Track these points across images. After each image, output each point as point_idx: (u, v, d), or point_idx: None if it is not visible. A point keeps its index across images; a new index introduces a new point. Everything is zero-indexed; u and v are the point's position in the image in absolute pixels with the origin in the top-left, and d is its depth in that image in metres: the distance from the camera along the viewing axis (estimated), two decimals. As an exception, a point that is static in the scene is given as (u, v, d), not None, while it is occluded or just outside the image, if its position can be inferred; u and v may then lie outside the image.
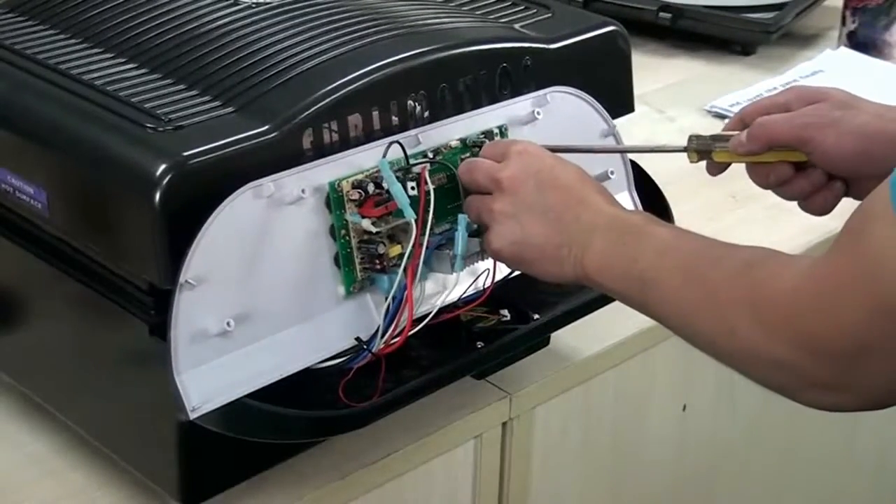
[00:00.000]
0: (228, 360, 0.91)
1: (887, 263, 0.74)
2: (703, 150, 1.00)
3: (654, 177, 1.14)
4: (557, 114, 1.05)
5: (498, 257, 0.97)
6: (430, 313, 0.97)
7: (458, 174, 0.98)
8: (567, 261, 0.92)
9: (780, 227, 1.35)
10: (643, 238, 0.90)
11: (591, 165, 1.01)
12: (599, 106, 1.08)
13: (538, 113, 1.04)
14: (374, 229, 0.95)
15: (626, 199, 1.11)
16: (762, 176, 0.99)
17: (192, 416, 0.89)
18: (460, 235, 0.96)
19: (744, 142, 0.97)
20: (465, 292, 1.00)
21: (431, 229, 0.96)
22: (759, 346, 0.81)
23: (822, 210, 0.98)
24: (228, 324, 0.90)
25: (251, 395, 0.92)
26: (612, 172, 1.09)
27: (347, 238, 0.95)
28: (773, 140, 0.97)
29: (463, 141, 1.01)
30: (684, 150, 1.00)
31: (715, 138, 1.00)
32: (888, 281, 0.74)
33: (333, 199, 0.94)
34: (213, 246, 0.89)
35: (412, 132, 0.98)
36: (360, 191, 0.95)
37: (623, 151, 1.10)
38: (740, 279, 0.83)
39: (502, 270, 1.01)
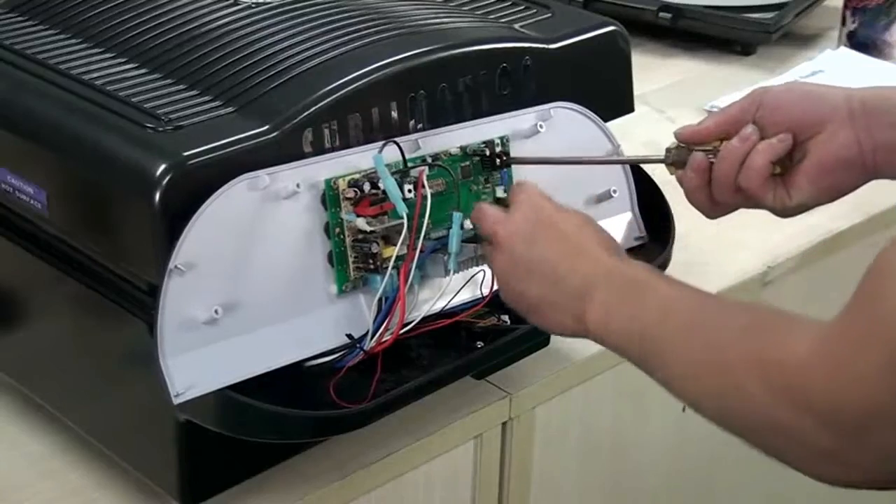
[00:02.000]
0: (216, 349, 0.91)
1: None
2: (680, 159, 0.99)
3: (654, 177, 1.14)
4: (560, 129, 1.05)
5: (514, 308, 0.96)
6: (422, 313, 0.97)
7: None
8: (566, 315, 0.90)
9: (781, 227, 1.34)
10: (646, 294, 0.87)
11: (594, 184, 1.01)
12: (604, 124, 1.08)
13: (541, 126, 1.04)
14: (368, 228, 0.95)
15: (630, 217, 1.11)
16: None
17: (176, 401, 0.89)
18: (454, 233, 0.96)
19: (695, 126, 0.97)
20: (460, 298, 1.00)
21: (427, 234, 0.96)
22: (766, 408, 0.77)
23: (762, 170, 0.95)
24: (216, 312, 0.90)
25: (242, 389, 0.92)
26: (614, 191, 1.08)
27: (342, 236, 0.95)
28: (723, 115, 0.97)
29: (463, 149, 1.01)
30: (661, 161, 0.99)
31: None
32: None
33: (329, 197, 0.94)
34: (205, 234, 0.89)
35: (412, 136, 0.98)
36: (355, 189, 0.95)
37: (607, 163, 1.09)
38: (749, 338, 0.80)
39: None
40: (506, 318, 1.03)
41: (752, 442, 0.81)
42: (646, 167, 1.13)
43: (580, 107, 1.07)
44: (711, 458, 1.38)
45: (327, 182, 0.94)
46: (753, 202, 0.97)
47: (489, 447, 1.14)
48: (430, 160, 0.98)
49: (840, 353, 0.75)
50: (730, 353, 0.80)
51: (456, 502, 1.14)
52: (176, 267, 0.88)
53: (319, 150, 0.95)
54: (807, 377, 0.76)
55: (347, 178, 0.95)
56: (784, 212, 0.97)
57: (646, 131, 1.50)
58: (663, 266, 1.10)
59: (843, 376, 0.74)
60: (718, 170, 0.96)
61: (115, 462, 1.02)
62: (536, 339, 1.08)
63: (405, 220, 0.94)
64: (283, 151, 0.93)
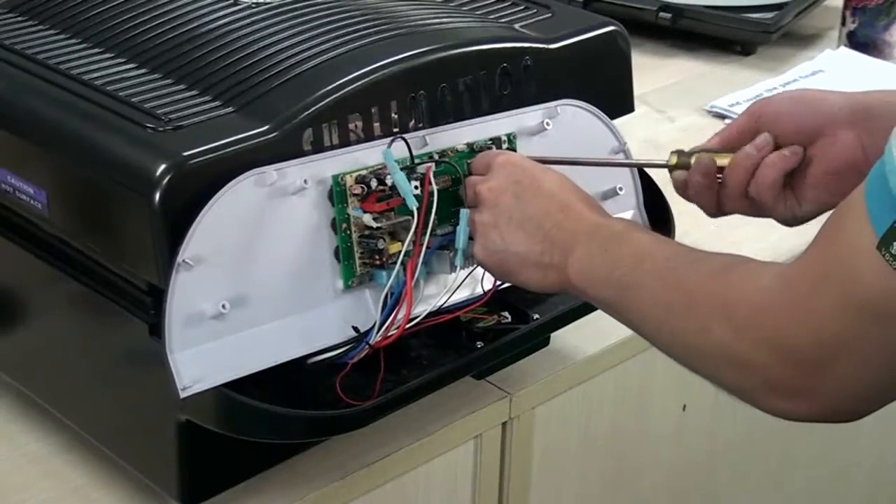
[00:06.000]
0: (222, 343, 0.91)
1: (859, 259, 0.73)
2: (682, 164, 0.99)
3: (654, 176, 1.14)
4: (568, 126, 1.05)
5: (485, 268, 0.97)
6: (428, 309, 0.97)
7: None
8: (549, 269, 0.92)
9: (781, 227, 1.34)
10: (624, 244, 0.90)
11: (600, 181, 1.01)
12: (610, 122, 1.08)
13: (548, 124, 1.04)
14: (375, 224, 0.95)
15: (635, 216, 1.10)
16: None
17: (183, 395, 0.89)
18: (462, 229, 0.97)
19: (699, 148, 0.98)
20: (463, 295, 1.00)
21: (433, 230, 0.96)
22: (728, 345, 0.80)
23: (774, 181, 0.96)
24: (224, 306, 0.90)
25: (246, 386, 0.92)
26: (620, 188, 1.08)
27: (348, 232, 0.96)
28: (725, 134, 0.98)
29: (470, 146, 1.01)
30: (665, 166, 1.00)
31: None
32: (860, 277, 0.73)
33: (336, 193, 0.94)
34: (213, 229, 0.89)
35: (420, 133, 0.98)
36: (363, 185, 0.95)
37: (608, 165, 1.09)
38: (716, 280, 0.83)
39: None
40: (506, 314, 1.03)
41: (714, 380, 0.84)
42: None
43: (587, 104, 1.06)
44: (712, 457, 1.38)
45: (334, 178, 0.94)
46: (762, 212, 0.98)
47: (489, 447, 1.14)
48: (436, 157, 0.99)
49: (799, 291, 0.77)
50: (697, 293, 0.83)
51: (456, 502, 1.14)
52: (184, 261, 0.88)
53: (319, 150, 0.95)
54: (768, 313, 0.79)
55: (354, 175, 0.95)
56: (794, 221, 0.98)
57: (646, 131, 1.51)
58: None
59: (801, 313, 0.77)
60: (730, 177, 0.97)
61: (115, 462, 1.02)
62: (536, 339, 1.08)
63: (414, 215, 0.94)
64: (283, 151, 0.93)
